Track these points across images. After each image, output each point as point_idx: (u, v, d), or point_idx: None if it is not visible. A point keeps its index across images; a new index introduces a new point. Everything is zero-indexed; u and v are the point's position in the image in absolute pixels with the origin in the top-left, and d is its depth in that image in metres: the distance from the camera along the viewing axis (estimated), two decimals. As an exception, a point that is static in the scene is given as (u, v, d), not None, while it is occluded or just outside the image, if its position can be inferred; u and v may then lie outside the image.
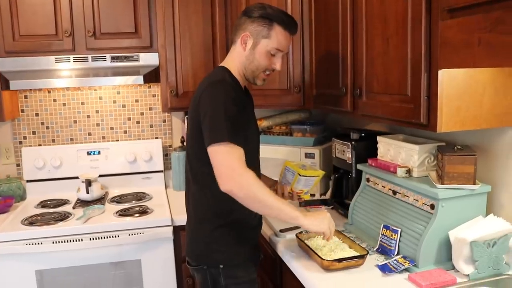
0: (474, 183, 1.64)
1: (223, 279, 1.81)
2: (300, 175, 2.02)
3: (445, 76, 1.43)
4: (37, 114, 2.93)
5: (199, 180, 1.81)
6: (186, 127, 1.93)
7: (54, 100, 2.94)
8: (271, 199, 1.63)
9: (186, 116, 2.57)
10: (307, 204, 2.47)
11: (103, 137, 3.02)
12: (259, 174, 1.94)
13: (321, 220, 1.72)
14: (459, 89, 1.46)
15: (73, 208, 2.62)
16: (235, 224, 1.82)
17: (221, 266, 1.81)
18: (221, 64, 1.87)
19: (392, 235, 1.78)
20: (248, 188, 1.59)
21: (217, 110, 1.64)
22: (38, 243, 2.27)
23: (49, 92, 2.92)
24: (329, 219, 1.75)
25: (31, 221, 2.39)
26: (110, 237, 2.34)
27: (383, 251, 1.80)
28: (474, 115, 1.51)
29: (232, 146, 1.60)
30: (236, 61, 1.84)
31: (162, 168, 3.00)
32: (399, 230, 1.76)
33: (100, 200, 2.74)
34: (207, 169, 1.68)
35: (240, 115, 1.68)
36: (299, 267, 1.76)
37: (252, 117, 1.92)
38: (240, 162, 1.61)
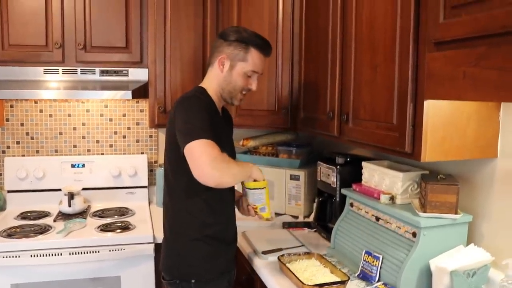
0: (456, 213, 1.65)
1: None
2: (246, 188, 1.93)
3: (430, 106, 1.46)
4: (22, 124, 2.90)
5: (175, 195, 1.87)
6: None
7: (41, 111, 2.91)
8: (237, 167, 1.78)
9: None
10: (290, 227, 2.47)
11: (89, 150, 3.00)
12: (233, 191, 2.01)
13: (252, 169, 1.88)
14: (444, 120, 1.49)
15: (54, 221, 2.58)
16: (209, 239, 1.86)
17: (193, 281, 1.84)
18: (199, 85, 1.94)
19: (373, 262, 1.78)
20: (222, 169, 1.67)
21: (190, 118, 1.73)
22: (16, 256, 2.22)
23: (35, 102, 2.90)
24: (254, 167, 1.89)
25: (10, 233, 2.35)
26: (90, 252, 2.31)
27: (364, 277, 1.80)
28: (458, 145, 1.54)
29: (206, 141, 1.66)
30: (213, 82, 1.91)
31: (146, 184, 2.98)
32: (381, 256, 1.76)
33: (82, 213, 2.71)
34: (182, 183, 1.79)
35: (213, 130, 1.73)
36: (279, 291, 1.75)
37: (225, 135, 1.97)
38: (215, 151, 1.66)
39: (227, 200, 1.95)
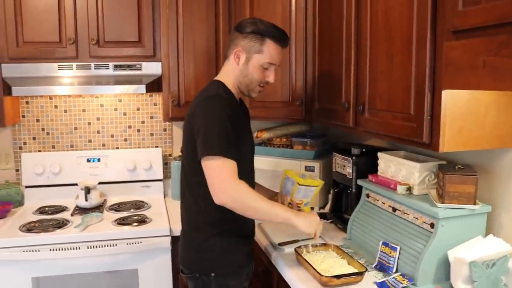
0: (475, 203, 1.64)
1: (214, 287, 1.84)
2: (300, 185, 2.04)
3: (448, 96, 1.44)
4: (37, 120, 2.92)
5: (193, 190, 1.86)
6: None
7: (55, 107, 2.94)
8: (263, 205, 1.71)
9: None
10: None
11: (103, 145, 3.02)
12: (253, 185, 1.99)
13: (311, 221, 1.80)
14: (462, 110, 1.47)
15: (71, 215, 2.61)
16: (228, 234, 1.86)
17: (213, 275, 1.84)
18: (216, 78, 1.92)
19: (391, 252, 1.78)
20: (240, 199, 1.68)
21: (211, 124, 1.71)
22: (36, 250, 2.25)
23: (50, 98, 2.92)
24: (318, 221, 1.83)
25: (29, 228, 2.38)
26: (107, 245, 2.33)
27: (382, 268, 1.80)
28: (477, 135, 1.52)
29: (224, 159, 1.67)
30: (230, 75, 1.89)
31: (161, 177, 2.99)
32: (398, 247, 1.76)
33: (99, 207, 2.73)
34: (200, 179, 1.75)
35: (234, 129, 1.74)
36: (296, 282, 1.76)
37: (246, 130, 1.97)
38: (231, 175, 1.68)
39: None
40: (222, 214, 1.77)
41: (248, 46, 1.84)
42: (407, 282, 1.64)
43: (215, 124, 1.71)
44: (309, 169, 2.62)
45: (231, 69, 1.89)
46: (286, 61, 2.48)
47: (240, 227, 1.90)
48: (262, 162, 2.72)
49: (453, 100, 1.45)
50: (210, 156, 1.68)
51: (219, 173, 1.68)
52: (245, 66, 1.86)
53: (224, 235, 1.86)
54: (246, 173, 1.87)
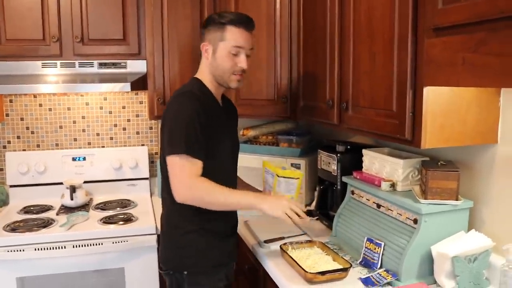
0: (457, 199, 1.66)
1: (187, 285, 1.86)
2: (279, 176, 2.02)
3: (430, 93, 1.45)
4: (22, 119, 2.90)
5: (169, 188, 1.84)
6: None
7: (40, 105, 2.91)
8: (224, 198, 1.75)
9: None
10: (292, 215, 2.47)
11: (89, 143, 3.00)
12: (233, 184, 1.96)
13: (277, 204, 1.78)
14: (443, 107, 1.49)
15: (57, 214, 2.60)
16: (204, 231, 1.87)
17: (185, 272, 1.86)
18: (195, 76, 1.93)
19: (375, 248, 1.79)
20: (199, 197, 1.73)
21: (177, 122, 1.74)
22: (20, 250, 2.24)
23: (35, 96, 2.89)
24: (286, 204, 1.79)
25: (14, 227, 2.36)
26: (93, 244, 2.32)
27: (366, 264, 1.81)
28: (458, 132, 1.54)
29: (187, 158, 1.71)
30: (205, 71, 1.89)
31: (147, 175, 2.99)
32: (383, 243, 1.77)
33: (84, 206, 2.72)
34: None
35: (206, 127, 1.75)
36: (282, 279, 1.76)
37: (225, 129, 1.93)
38: (191, 174, 1.71)
39: None
40: (196, 211, 1.78)
41: (211, 37, 1.84)
42: (391, 277, 1.66)
43: (181, 122, 1.73)
44: (295, 166, 2.63)
45: (204, 65, 1.90)
46: (271, 60, 2.49)
47: (216, 225, 1.89)
48: (248, 160, 2.72)
49: (434, 97, 1.46)
50: (173, 154, 1.72)
51: (179, 172, 1.72)
52: (214, 57, 1.85)
53: (200, 233, 1.86)
54: (223, 173, 1.89)
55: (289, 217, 1.78)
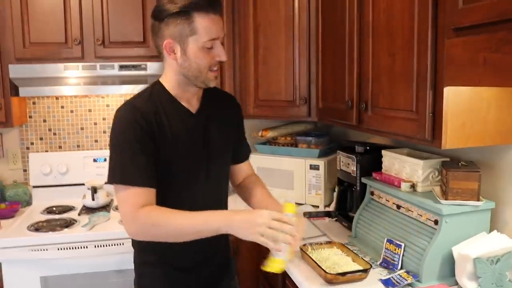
0: (478, 200, 1.64)
1: None
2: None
3: (450, 93, 1.44)
4: (44, 120, 2.96)
5: None
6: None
7: (62, 107, 2.97)
8: (178, 227, 1.43)
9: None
10: (311, 216, 2.48)
11: (110, 144, 3.04)
12: (213, 207, 1.52)
13: (250, 225, 1.38)
14: (464, 106, 1.48)
15: (79, 214, 2.64)
16: (161, 264, 1.64)
17: None
18: (160, 79, 1.63)
19: (395, 249, 1.79)
20: (145, 232, 1.47)
21: (112, 143, 1.50)
22: (44, 249, 2.28)
23: (57, 98, 2.95)
24: (261, 223, 1.36)
25: (37, 227, 2.41)
26: (114, 244, 2.35)
27: (387, 265, 1.80)
28: (479, 132, 1.52)
29: (125, 188, 1.45)
30: (171, 73, 1.57)
31: (167, 176, 3.01)
32: (403, 244, 1.76)
33: (105, 207, 2.75)
34: None
35: (155, 143, 1.49)
36: (302, 280, 1.77)
37: (201, 135, 1.62)
38: (132, 206, 1.44)
39: None
40: (150, 242, 1.52)
41: (176, 32, 1.48)
42: (412, 279, 1.65)
43: (115, 143, 1.49)
44: (313, 167, 2.63)
45: (171, 67, 1.55)
46: (290, 61, 2.50)
47: (175, 258, 1.63)
48: (267, 161, 2.73)
49: (454, 97, 1.45)
50: (111, 184, 1.48)
51: (121, 206, 1.47)
52: (185, 57, 1.50)
53: (156, 264, 1.64)
54: (193, 195, 1.61)
55: (274, 237, 1.36)
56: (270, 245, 1.36)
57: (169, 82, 1.58)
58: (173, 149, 1.54)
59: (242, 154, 1.87)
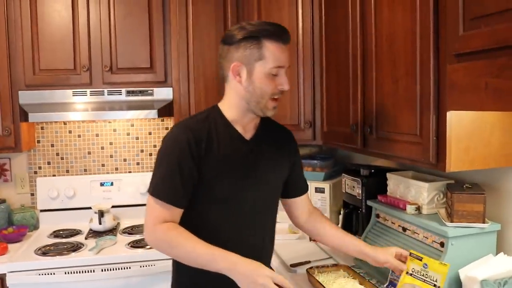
0: (484, 222, 1.65)
1: None
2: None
3: (453, 117, 1.47)
4: (52, 145, 2.99)
5: None
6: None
7: (70, 132, 3.01)
8: (187, 257, 1.48)
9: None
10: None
11: (116, 169, 3.07)
12: (253, 241, 1.62)
13: (250, 281, 1.38)
14: (467, 130, 1.50)
15: (86, 238, 2.65)
16: (181, 284, 1.69)
17: None
18: (219, 103, 1.66)
19: (401, 272, 1.78)
20: (161, 247, 1.54)
21: (158, 158, 1.57)
22: (51, 273, 2.29)
23: (64, 123, 2.99)
24: (261, 284, 1.36)
25: (44, 251, 2.42)
26: (121, 268, 2.36)
27: (393, 288, 1.80)
28: (483, 154, 1.54)
29: (155, 200, 1.52)
30: (234, 98, 1.59)
31: (173, 200, 3.02)
32: (409, 267, 1.77)
33: (112, 231, 2.77)
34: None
35: (199, 166, 1.53)
36: (309, 303, 1.77)
37: (251, 165, 1.62)
38: (154, 219, 1.51)
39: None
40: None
41: (245, 56, 1.52)
42: (418, 301, 1.65)
43: (161, 158, 1.56)
44: (319, 190, 2.65)
45: (234, 90, 1.58)
46: (294, 85, 2.54)
47: (193, 277, 1.61)
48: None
49: (458, 121, 1.48)
50: (148, 192, 1.56)
51: (147, 215, 1.55)
52: (250, 80, 1.53)
53: (179, 284, 1.69)
54: (231, 219, 1.60)
55: None
56: None
57: (228, 105, 1.61)
58: (219, 171, 1.56)
59: (299, 188, 1.87)
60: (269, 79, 1.53)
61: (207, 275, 1.48)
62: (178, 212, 1.54)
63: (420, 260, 1.62)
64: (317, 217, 1.87)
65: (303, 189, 1.88)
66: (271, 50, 1.51)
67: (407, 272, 1.66)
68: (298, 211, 1.87)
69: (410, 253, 1.66)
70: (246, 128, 1.64)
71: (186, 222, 1.55)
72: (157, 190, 1.53)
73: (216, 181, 1.57)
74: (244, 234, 1.62)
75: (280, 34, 1.53)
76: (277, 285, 1.37)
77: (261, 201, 1.66)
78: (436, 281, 1.57)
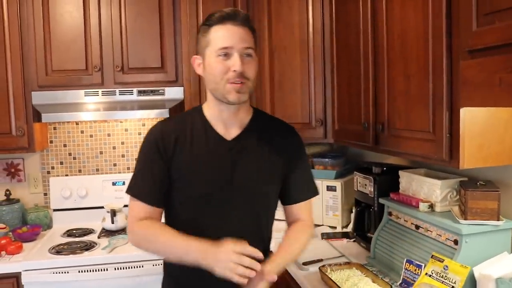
0: (498, 219, 1.64)
1: None
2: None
3: (466, 114, 1.46)
4: (65, 145, 3.02)
5: None
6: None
7: (82, 132, 3.03)
8: (163, 250, 1.53)
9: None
10: (329, 237, 2.48)
11: (128, 168, 3.09)
12: (231, 232, 1.47)
13: (218, 261, 1.35)
14: (480, 127, 1.49)
15: (98, 237, 2.67)
16: (168, 277, 1.71)
17: None
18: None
19: (415, 270, 1.78)
20: (138, 244, 1.57)
21: (137, 158, 1.60)
22: (65, 272, 2.31)
23: (77, 124, 3.01)
24: (227, 259, 1.34)
25: (58, 250, 2.44)
26: (134, 267, 2.38)
27: (407, 285, 1.80)
28: (497, 151, 1.53)
29: (131, 198, 1.56)
30: (207, 92, 1.58)
31: (184, 199, 3.04)
32: (423, 265, 1.76)
33: (124, 230, 2.78)
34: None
35: (170, 164, 1.52)
36: (322, 301, 1.77)
37: (221, 161, 1.55)
38: (132, 218, 1.55)
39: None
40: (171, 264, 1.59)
41: (199, 47, 1.54)
42: (432, 299, 1.65)
43: (137, 158, 1.59)
44: (330, 188, 2.64)
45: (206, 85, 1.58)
46: (305, 83, 2.54)
47: (179, 277, 1.62)
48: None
49: (471, 118, 1.47)
50: (127, 191, 1.59)
51: (128, 214, 1.59)
52: (205, 69, 1.53)
53: (165, 278, 1.71)
54: (207, 220, 1.54)
55: (234, 271, 1.32)
56: (235, 278, 1.33)
57: (207, 103, 1.60)
58: (190, 171, 1.53)
59: (291, 197, 1.67)
60: (218, 62, 1.47)
61: (194, 274, 1.45)
62: (155, 210, 1.55)
63: (442, 262, 1.62)
64: (291, 228, 1.68)
65: (296, 199, 1.67)
66: (216, 33, 1.47)
67: (426, 273, 1.66)
68: (288, 219, 1.71)
69: (432, 255, 1.67)
70: (228, 126, 1.58)
71: (166, 221, 1.62)
72: (131, 188, 1.57)
73: (186, 181, 1.53)
74: (219, 234, 1.46)
75: (227, 16, 1.48)
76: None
77: (239, 202, 1.55)
78: (455, 283, 1.57)
